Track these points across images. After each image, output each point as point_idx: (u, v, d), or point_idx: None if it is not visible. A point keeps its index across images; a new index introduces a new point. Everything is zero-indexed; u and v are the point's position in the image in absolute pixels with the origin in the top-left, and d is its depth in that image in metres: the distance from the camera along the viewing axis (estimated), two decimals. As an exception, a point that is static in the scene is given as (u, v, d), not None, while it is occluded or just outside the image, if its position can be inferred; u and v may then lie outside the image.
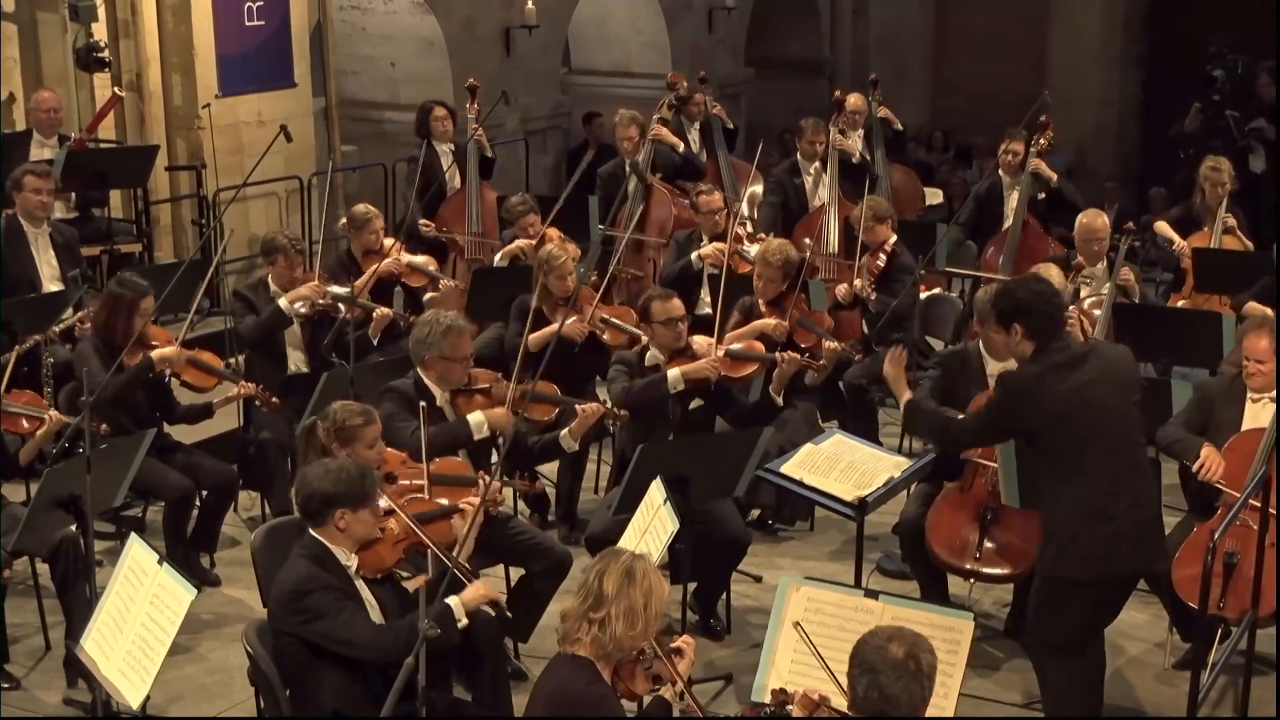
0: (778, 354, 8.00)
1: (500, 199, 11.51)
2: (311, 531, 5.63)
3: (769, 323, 8.60)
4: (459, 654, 6.20)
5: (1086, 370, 6.00)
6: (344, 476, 5.64)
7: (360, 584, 5.68)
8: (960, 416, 6.59)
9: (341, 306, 8.81)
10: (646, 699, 5.28)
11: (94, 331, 8.09)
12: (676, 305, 7.94)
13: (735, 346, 8.17)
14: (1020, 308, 6.03)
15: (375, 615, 5.65)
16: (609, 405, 7.66)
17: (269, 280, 8.98)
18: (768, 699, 5.60)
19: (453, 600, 5.61)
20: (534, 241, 9.90)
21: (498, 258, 10.31)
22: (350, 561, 5.63)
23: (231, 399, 8.32)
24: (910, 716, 4.48)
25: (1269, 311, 8.85)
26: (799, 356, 7.98)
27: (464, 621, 5.64)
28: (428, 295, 9.93)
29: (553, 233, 9.87)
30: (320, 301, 8.85)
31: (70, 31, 11.85)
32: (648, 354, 7.94)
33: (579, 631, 4.98)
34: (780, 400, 7.94)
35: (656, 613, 5.04)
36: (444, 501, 6.52)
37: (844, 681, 4.77)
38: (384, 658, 5.36)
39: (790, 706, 5.05)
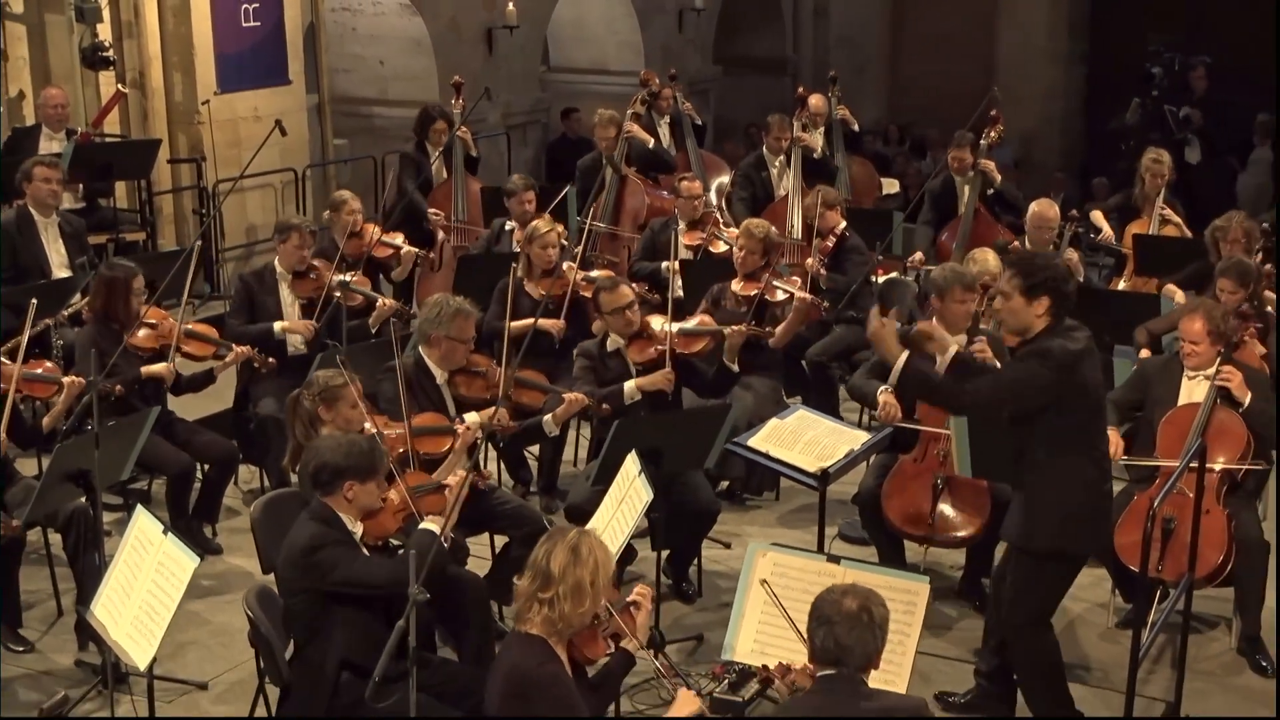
0: (726, 328, 7.97)
1: (483, 190, 11.54)
2: (321, 499, 5.63)
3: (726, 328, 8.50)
4: (448, 616, 6.23)
5: (1096, 355, 5.92)
6: (355, 450, 5.63)
7: (363, 550, 5.67)
8: (969, 383, 6.07)
9: (338, 293, 8.79)
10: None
11: (95, 318, 8.03)
12: (623, 294, 7.81)
13: (688, 325, 8.09)
14: (1055, 283, 5.76)
15: None
16: (594, 399, 7.65)
17: (275, 264, 8.86)
18: (737, 657, 5.64)
19: (430, 526, 5.64)
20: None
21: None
22: (356, 529, 5.63)
23: (229, 364, 8.25)
24: (865, 664, 4.55)
25: (1179, 295, 8.97)
26: (744, 328, 7.96)
27: (447, 544, 5.64)
28: (394, 271, 9.96)
29: (546, 219, 9.86)
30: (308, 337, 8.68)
31: (76, 32, 11.83)
32: (608, 340, 7.91)
33: (530, 611, 4.91)
34: (736, 367, 7.91)
35: (604, 585, 4.97)
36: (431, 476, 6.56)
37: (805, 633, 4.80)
38: (396, 586, 5.23)
39: (776, 683, 5.09)
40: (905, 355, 5.92)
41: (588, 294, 9.00)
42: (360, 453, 5.63)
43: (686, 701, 4.97)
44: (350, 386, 6.43)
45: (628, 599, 5.32)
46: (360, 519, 5.66)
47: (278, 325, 8.67)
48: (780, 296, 8.67)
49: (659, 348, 7.74)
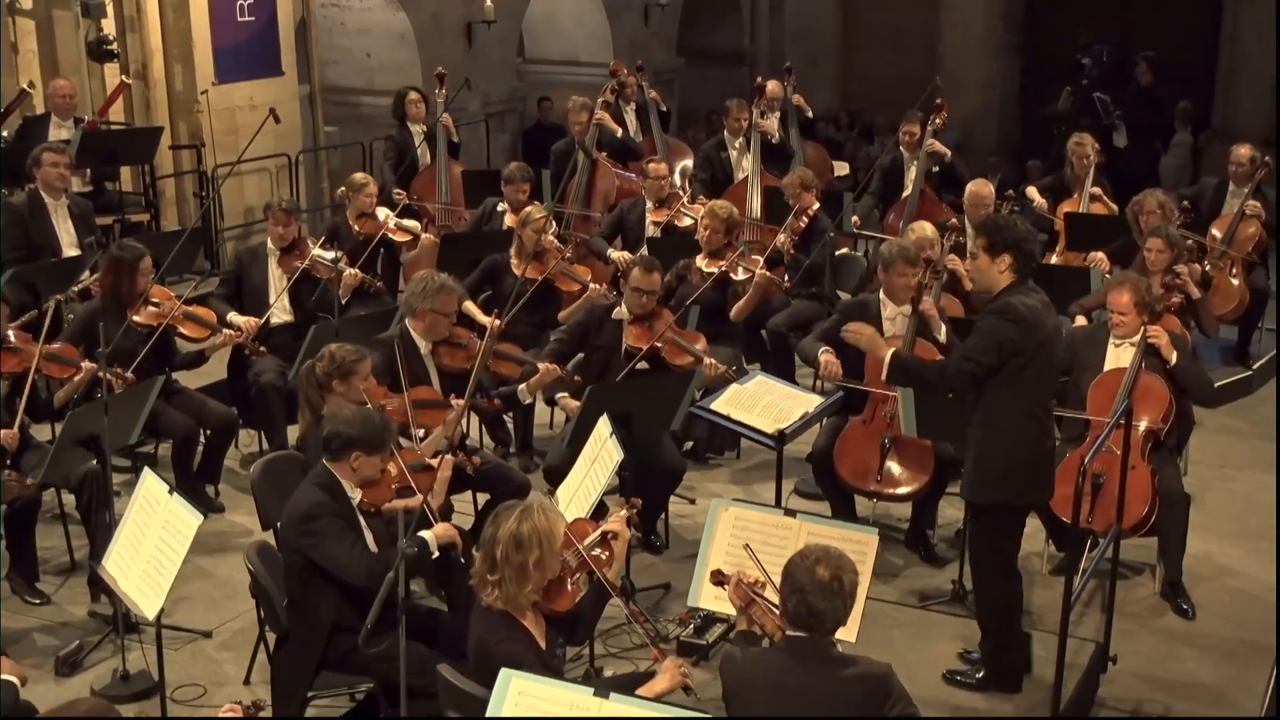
0: (706, 360, 7.67)
1: (464, 173, 11.52)
2: (326, 463, 5.61)
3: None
4: (437, 569, 6.23)
5: (1054, 317, 5.92)
6: (368, 425, 5.61)
7: (360, 521, 5.64)
8: (942, 360, 6.14)
9: (319, 269, 8.81)
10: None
11: (102, 294, 8.00)
12: (652, 279, 7.68)
13: (686, 342, 7.83)
14: (1016, 240, 5.76)
15: (369, 540, 5.62)
16: (565, 370, 7.65)
17: (268, 241, 8.89)
18: (701, 604, 5.66)
19: (427, 534, 5.55)
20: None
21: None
22: (354, 495, 5.61)
23: (219, 346, 8.22)
24: (834, 628, 4.47)
25: (1101, 256, 9.06)
26: (722, 368, 7.64)
27: (436, 554, 5.55)
28: (406, 254, 9.94)
29: (538, 205, 9.83)
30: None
31: (82, 26, 11.76)
32: (616, 309, 7.87)
33: (485, 589, 4.87)
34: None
35: (551, 559, 4.88)
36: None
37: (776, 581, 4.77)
38: (371, 582, 5.20)
39: (726, 588, 5.05)
40: (890, 352, 6.02)
41: (560, 283, 8.98)
42: (373, 428, 5.61)
43: (670, 674, 4.79)
44: (362, 363, 6.39)
45: (604, 528, 5.29)
46: (360, 487, 5.65)
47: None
48: (742, 275, 8.68)
49: (650, 343, 7.65)
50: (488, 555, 4.85)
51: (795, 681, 4.42)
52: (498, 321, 7.58)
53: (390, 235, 9.77)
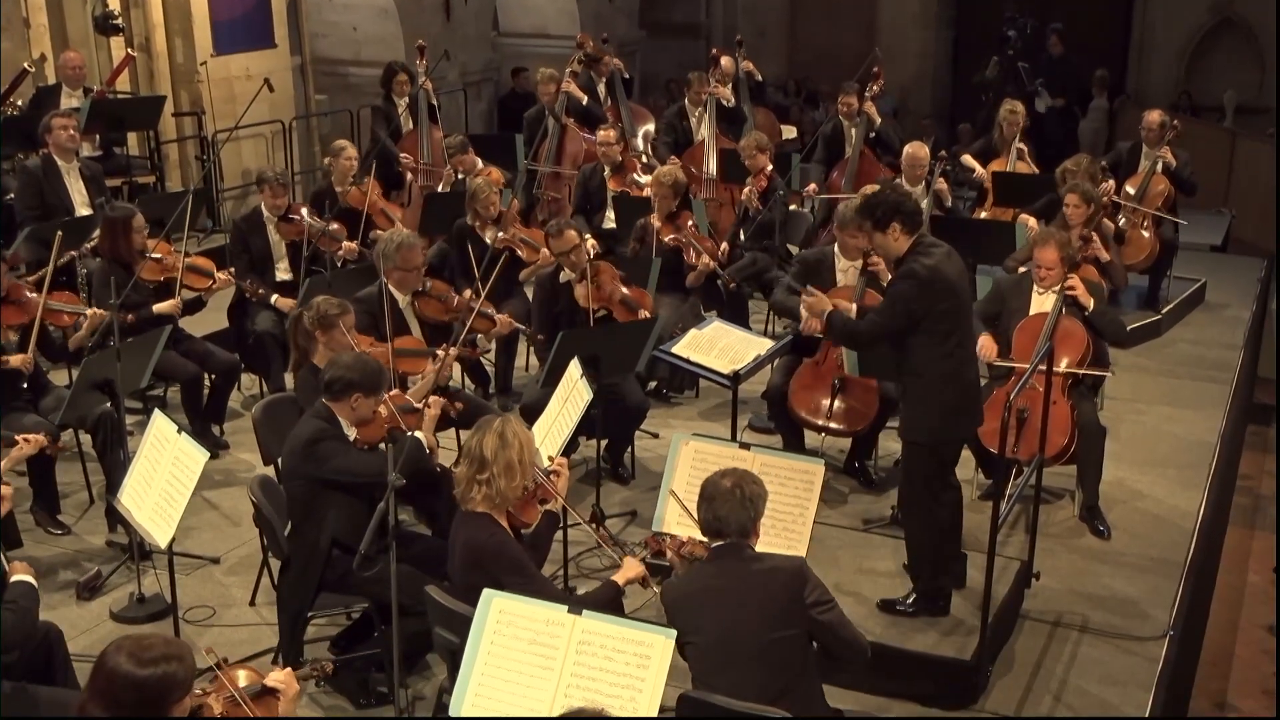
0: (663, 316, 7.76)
1: (444, 137, 11.46)
2: (326, 403, 5.57)
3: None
4: (423, 500, 6.23)
5: (957, 262, 5.84)
6: (367, 370, 5.57)
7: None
8: (862, 320, 6.07)
9: (313, 234, 8.76)
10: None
11: (103, 256, 7.89)
12: (568, 239, 7.65)
13: (633, 298, 7.76)
14: (894, 208, 5.71)
15: None
16: (527, 328, 7.76)
17: (261, 207, 8.81)
18: (665, 528, 5.67)
19: (420, 435, 5.66)
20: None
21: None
22: (350, 433, 5.58)
23: (216, 289, 8.16)
24: (743, 533, 4.56)
25: (1031, 221, 9.11)
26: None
27: (430, 451, 5.60)
28: (374, 233, 9.89)
29: (495, 173, 9.74)
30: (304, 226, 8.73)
31: (89, 2, 11.64)
32: (561, 273, 7.85)
33: (471, 492, 4.89)
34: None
35: (529, 461, 4.96)
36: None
37: None
38: (381, 477, 5.06)
39: (667, 552, 5.12)
40: (827, 312, 6.02)
41: (521, 250, 8.91)
42: (371, 372, 5.58)
43: (631, 566, 5.00)
44: (345, 316, 6.34)
45: (548, 469, 5.33)
46: (355, 425, 5.63)
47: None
48: (693, 257, 8.70)
49: (598, 306, 7.56)
50: (475, 458, 4.88)
51: (722, 581, 4.50)
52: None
53: (372, 215, 9.68)
